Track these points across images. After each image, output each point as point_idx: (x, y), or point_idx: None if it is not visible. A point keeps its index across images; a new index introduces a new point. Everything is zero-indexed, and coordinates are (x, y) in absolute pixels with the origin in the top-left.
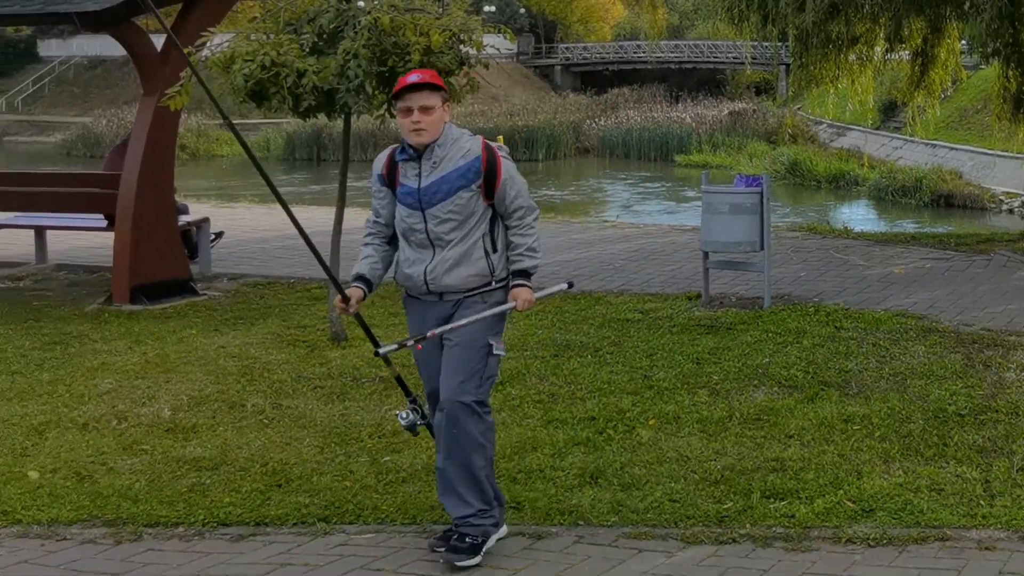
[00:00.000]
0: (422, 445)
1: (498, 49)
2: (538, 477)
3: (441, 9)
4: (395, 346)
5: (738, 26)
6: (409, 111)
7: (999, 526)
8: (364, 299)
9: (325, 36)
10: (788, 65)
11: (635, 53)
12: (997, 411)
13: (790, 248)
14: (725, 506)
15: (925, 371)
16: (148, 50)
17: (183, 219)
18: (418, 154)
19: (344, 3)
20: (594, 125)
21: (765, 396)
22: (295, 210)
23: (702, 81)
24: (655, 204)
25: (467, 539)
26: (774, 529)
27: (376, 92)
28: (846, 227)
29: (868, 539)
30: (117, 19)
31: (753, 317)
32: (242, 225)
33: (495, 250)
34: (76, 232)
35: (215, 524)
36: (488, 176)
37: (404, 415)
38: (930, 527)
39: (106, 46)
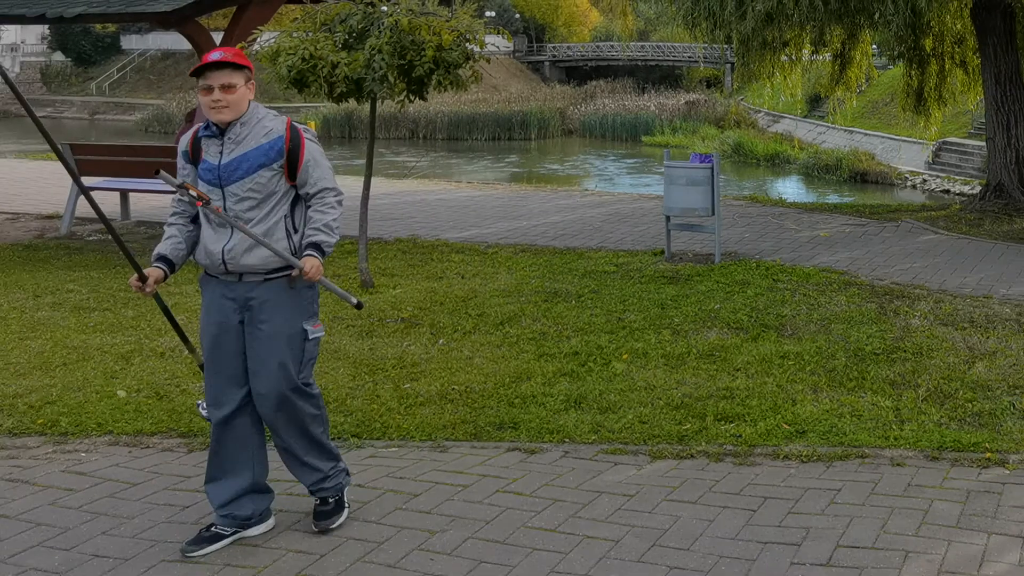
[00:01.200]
0: (437, 373)
1: (497, 47)
2: (531, 402)
3: (451, 13)
4: (179, 182)
5: (692, 30)
6: (210, 89)
7: (908, 446)
8: (165, 279)
9: (354, 34)
10: (733, 63)
11: (609, 52)
12: (905, 351)
13: (736, 214)
14: (684, 427)
15: (846, 317)
16: (209, 44)
17: None
18: (220, 131)
19: (370, 7)
20: (576, 111)
21: (717, 336)
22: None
23: (663, 76)
24: (627, 176)
25: (330, 500)
26: (725, 447)
27: (396, 81)
28: (781, 198)
29: (801, 456)
30: (184, 18)
31: (706, 270)
32: None
33: (296, 231)
34: (152, 194)
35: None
36: (291, 156)
37: (203, 404)
38: (852, 447)
39: (175, 41)
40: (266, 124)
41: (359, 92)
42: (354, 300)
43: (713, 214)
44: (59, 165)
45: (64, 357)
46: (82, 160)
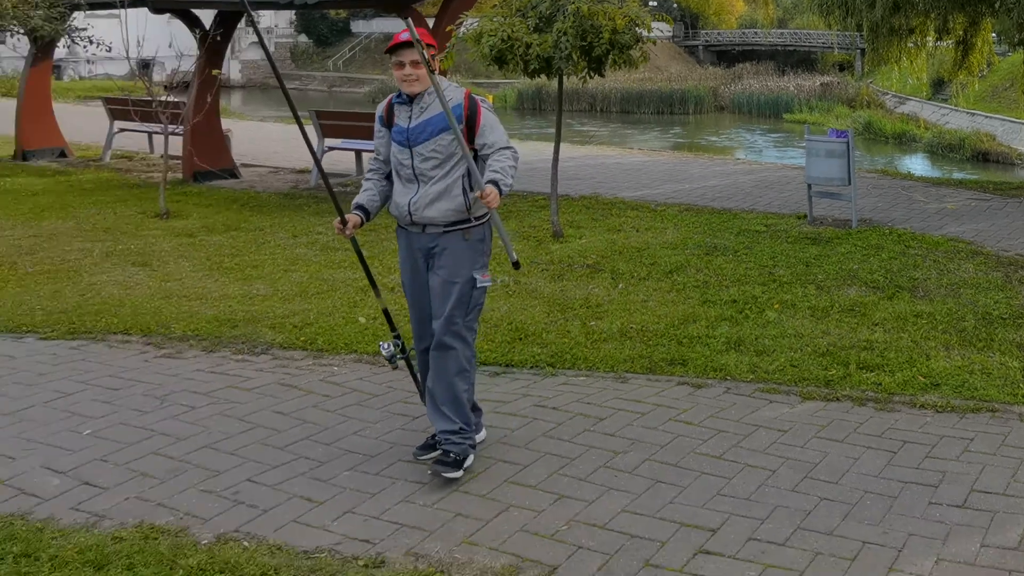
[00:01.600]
0: (617, 313)
1: (661, 31)
2: (697, 342)
3: (621, 2)
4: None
5: (826, 18)
6: (402, 65)
7: None
8: (361, 225)
9: (543, 19)
10: (863, 49)
11: (753, 38)
12: None
13: (869, 185)
14: (830, 373)
15: (974, 283)
16: (424, 27)
17: None
18: (410, 100)
19: None
20: (726, 90)
21: (856, 293)
22: (526, 147)
23: (800, 59)
24: (771, 149)
25: (451, 454)
26: (867, 393)
27: (579, 60)
28: (909, 172)
29: (936, 406)
30: (403, 5)
31: (844, 234)
32: None
33: (472, 189)
34: None
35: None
36: (469, 121)
37: (386, 346)
38: (983, 400)
39: (395, 25)
40: (448, 94)
41: (548, 69)
42: (514, 257)
43: (849, 183)
44: (309, 128)
45: (318, 287)
46: (325, 124)
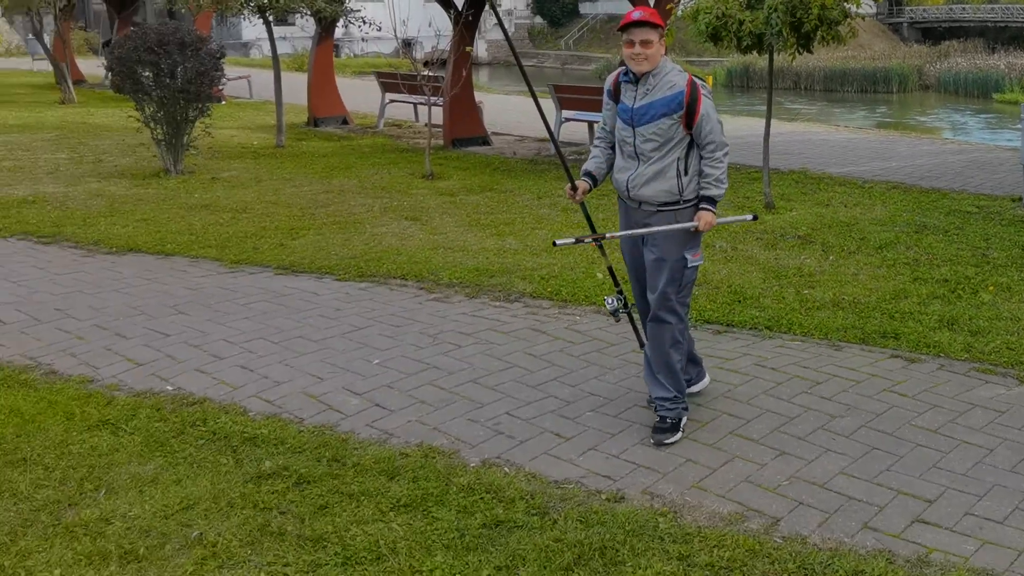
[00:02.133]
0: (829, 284)
1: (868, 6)
2: (908, 318)
3: None
4: (572, 240)
5: None
6: (632, 43)
7: None
8: (590, 191)
9: None
10: None
11: (961, 14)
12: None
13: None
14: None
15: None
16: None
17: None
18: (636, 79)
19: None
20: (932, 68)
21: None
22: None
23: (1013, 36)
24: (981, 129)
25: (668, 420)
26: None
27: (788, 35)
28: None
29: None
30: None
31: None
32: None
33: (686, 173)
34: None
35: (703, 320)
36: (689, 109)
37: (611, 301)
38: None
39: (618, 7)
40: (671, 79)
41: (760, 45)
42: (749, 216)
43: None
44: (548, 101)
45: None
46: (563, 98)
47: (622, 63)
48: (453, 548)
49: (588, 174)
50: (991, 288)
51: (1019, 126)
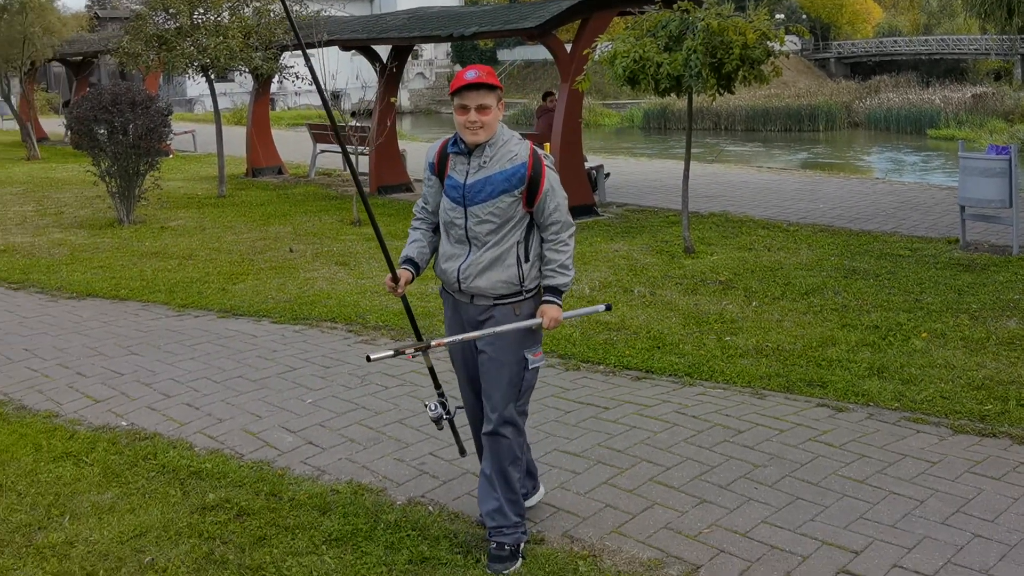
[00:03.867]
0: (752, 331)
1: (793, 43)
2: (836, 366)
3: (750, 16)
4: (390, 352)
5: (983, 20)
6: (466, 109)
7: None
8: (411, 281)
9: (673, 38)
10: None
11: (892, 47)
12: None
13: None
14: (986, 407)
15: None
16: (563, 52)
17: (587, 164)
18: (469, 150)
19: (685, 13)
20: (861, 105)
21: (1017, 325)
22: (654, 164)
23: (948, 69)
24: (914, 168)
25: (506, 547)
26: None
27: (708, 76)
28: None
29: None
30: (545, 32)
31: (1003, 261)
32: (623, 169)
33: (527, 259)
34: None
35: (622, 367)
36: (532, 184)
37: (433, 406)
38: None
39: (534, 52)
40: (511, 148)
41: (679, 87)
42: (602, 307)
43: (1011, 206)
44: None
45: None
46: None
47: (539, 110)
48: None
49: (410, 261)
50: (924, 335)
51: (958, 164)
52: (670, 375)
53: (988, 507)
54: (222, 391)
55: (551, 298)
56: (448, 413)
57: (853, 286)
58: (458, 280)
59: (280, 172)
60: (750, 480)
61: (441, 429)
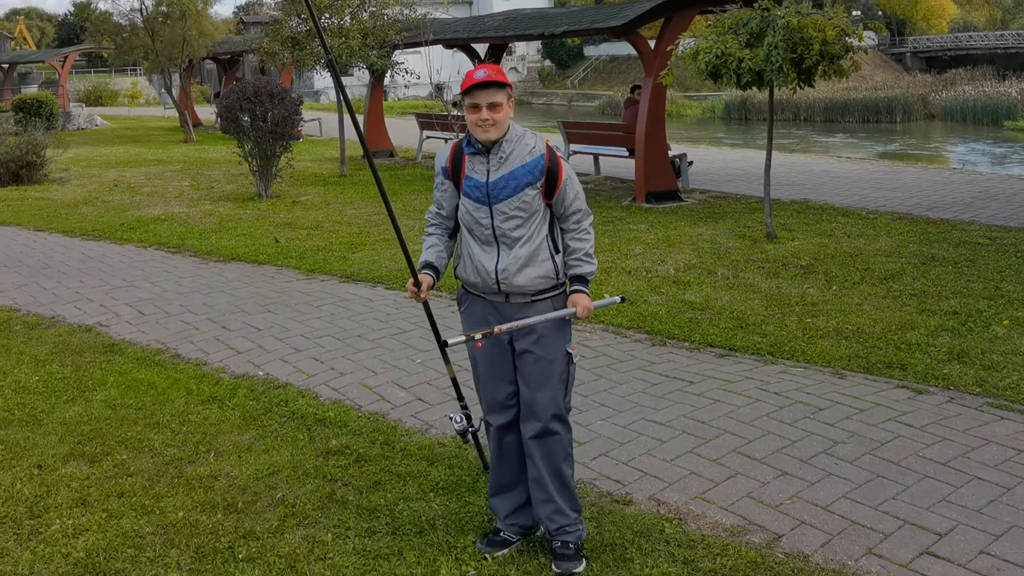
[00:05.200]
0: (832, 313)
1: (870, 39)
2: (916, 349)
3: (827, 13)
4: (463, 339)
5: None
6: (477, 108)
7: None
8: (433, 286)
9: (754, 34)
10: None
11: (967, 42)
12: None
13: None
14: None
15: None
16: (646, 49)
17: (671, 152)
18: (486, 149)
19: (766, 11)
20: (937, 97)
21: None
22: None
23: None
24: (991, 158)
25: (571, 545)
26: None
27: (789, 71)
28: None
29: None
30: (629, 30)
31: None
32: (705, 158)
33: (557, 251)
34: (615, 158)
35: (706, 344)
36: (550, 175)
37: (458, 419)
38: None
39: (619, 48)
40: (527, 141)
41: (760, 81)
42: (618, 299)
43: None
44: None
45: None
46: (571, 132)
47: (627, 102)
48: (483, 530)
49: (430, 266)
50: (1006, 322)
51: None
52: (752, 353)
53: None
54: (343, 348)
55: (580, 287)
56: (472, 426)
57: (932, 272)
58: (496, 281)
59: (392, 155)
60: (830, 456)
61: (467, 443)
